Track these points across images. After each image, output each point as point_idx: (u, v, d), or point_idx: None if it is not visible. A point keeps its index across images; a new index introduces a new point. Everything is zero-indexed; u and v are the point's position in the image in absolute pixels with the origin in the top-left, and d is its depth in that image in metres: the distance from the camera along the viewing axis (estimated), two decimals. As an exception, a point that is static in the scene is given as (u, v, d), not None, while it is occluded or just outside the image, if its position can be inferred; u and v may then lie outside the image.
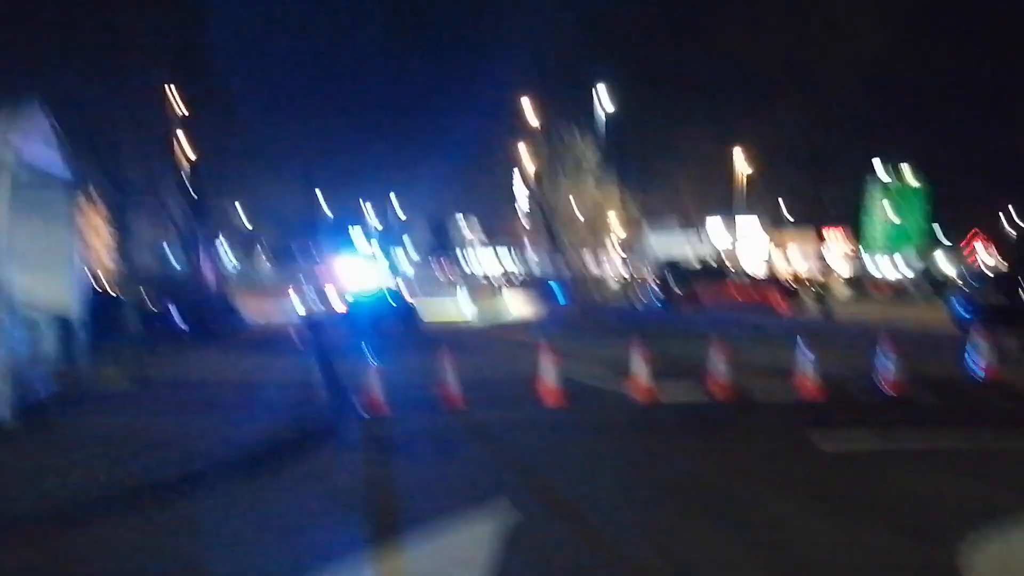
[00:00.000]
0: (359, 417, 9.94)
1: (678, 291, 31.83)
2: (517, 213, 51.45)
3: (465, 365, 11.17)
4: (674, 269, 36.80)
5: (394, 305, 31.11)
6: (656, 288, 34.07)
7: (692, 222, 53.90)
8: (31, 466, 6.94)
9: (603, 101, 42.31)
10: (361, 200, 78.31)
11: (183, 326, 22.80)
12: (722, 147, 47.11)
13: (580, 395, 11.17)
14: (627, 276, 46.79)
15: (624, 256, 50.20)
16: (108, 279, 19.08)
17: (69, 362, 10.75)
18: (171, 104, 27.29)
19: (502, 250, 70.79)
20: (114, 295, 17.26)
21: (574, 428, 9.41)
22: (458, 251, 77.01)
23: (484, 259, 74.38)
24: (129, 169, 21.14)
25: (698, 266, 39.61)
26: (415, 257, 75.89)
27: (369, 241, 74.21)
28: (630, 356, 11.41)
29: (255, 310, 35.18)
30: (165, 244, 29.08)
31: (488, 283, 55.22)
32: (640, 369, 10.96)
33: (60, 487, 6.27)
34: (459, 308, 41.48)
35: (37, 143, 9.83)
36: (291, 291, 38.32)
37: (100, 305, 12.91)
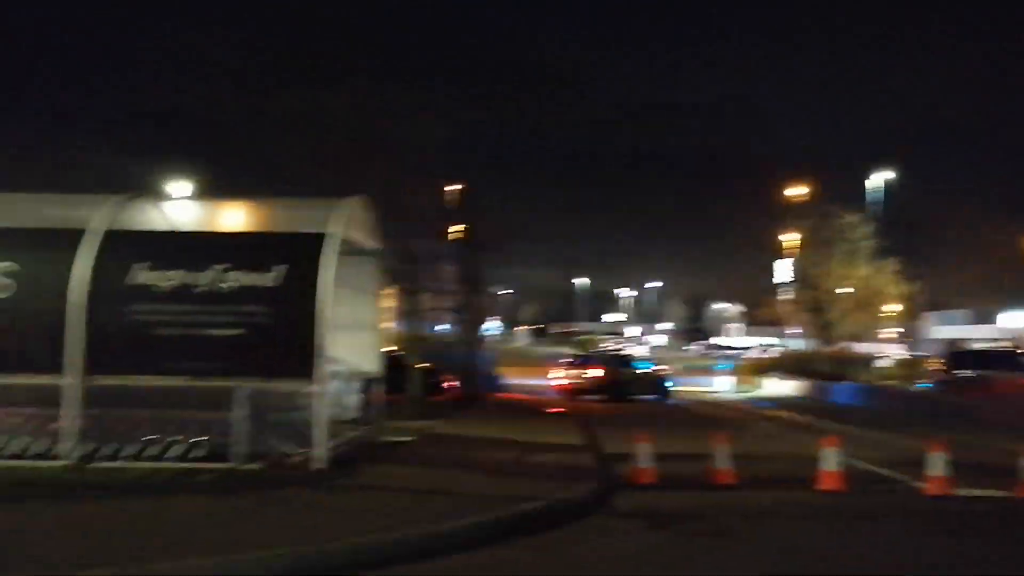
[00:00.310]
0: (626, 487, 10.06)
1: (965, 375, 28.79)
2: (777, 290, 49.66)
3: (729, 440, 10.91)
4: (960, 352, 33.41)
5: (650, 375, 31.17)
6: (939, 371, 31.06)
7: (981, 303, 48.73)
8: (347, 509, 7.83)
9: (881, 179, 40.26)
10: (619, 275, 79.65)
11: (455, 387, 24.46)
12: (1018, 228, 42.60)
13: (861, 481, 10.48)
14: (903, 358, 43.12)
15: (900, 337, 46.41)
16: (394, 341, 20.98)
17: (367, 415, 11.98)
18: (450, 189, 30.10)
19: (760, 328, 68.30)
20: (399, 356, 18.93)
21: (859, 517, 8.78)
22: (714, 326, 75.41)
23: (740, 335, 72.05)
24: (414, 244, 23.28)
25: (989, 349, 35.63)
26: (670, 331, 75.34)
27: (625, 316, 75.09)
28: (914, 442, 10.56)
29: (516, 376, 36.84)
30: (440, 312, 31.42)
31: (745, 359, 53.41)
32: (931, 457, 10.07)
33: (367, 530, 7.00)
34: (715, 382, 40.55)
35: (353, 225, 11.27)
36: (552, 359, 39.73)
37: (389, 365, 14.29)
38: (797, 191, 40.96)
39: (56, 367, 9.46)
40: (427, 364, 21.39)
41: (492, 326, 48.48)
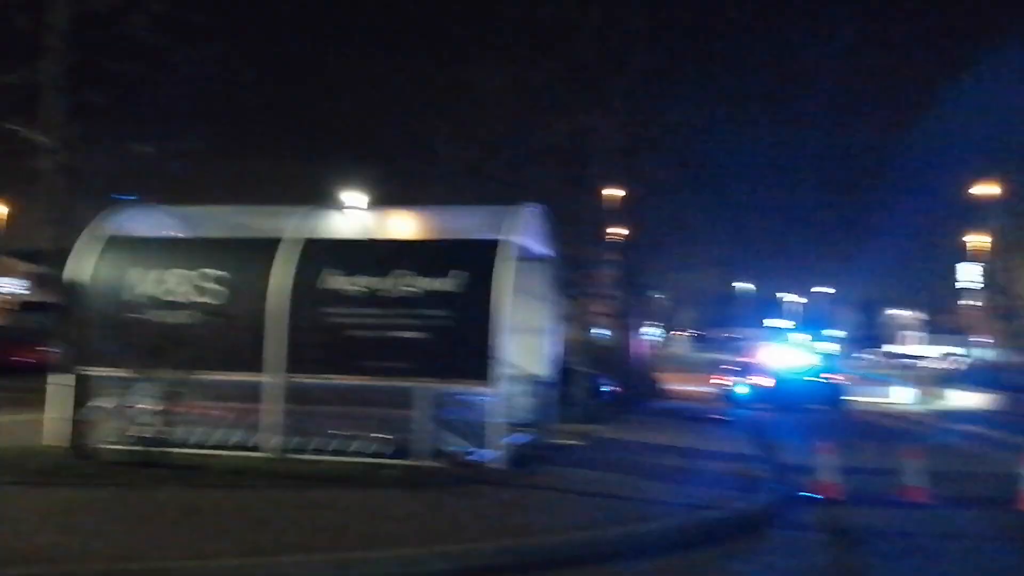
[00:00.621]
0: (807, 499, 9.72)
1: None
2: (961, 296, 46.21)
3: (917, 454, 10.29)
4: None
5: (821, 384, 29.81)
6: None
7: None
8: (528, 508, 8.05)
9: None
10: (785, 279, 76.70)
11: (616, 392, 24.42)
12: None
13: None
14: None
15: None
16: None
17: (539, 418, 12.21)
18: (610, 192, 30.09)
19: (941, 335, 63.69)
20: (565, 360, 19.10)
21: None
22: (888, 333, 71.08)
23: (919, 342, 67.53)
24: (574, 248, 23.40)
25: None
26: (841, 338, 71.73)
27: (792, 320, 72.26)
28: None
29: (676, 382, 36.25)
30: (599, 316, 31.43)
31: (927, 368, 50.00)
32: None
33: (554, 530, 7.17)
34: (893, 392, 38.17)
35: (527, 231, 11.55)
36: (714, 366, 38.80)
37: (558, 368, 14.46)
38: (985, 189, 37.91)
39: (259, 366, 10.28)
40: (588, 368, 21.48)
41: (651, 331, 47.97)
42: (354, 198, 32.56)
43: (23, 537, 6.16)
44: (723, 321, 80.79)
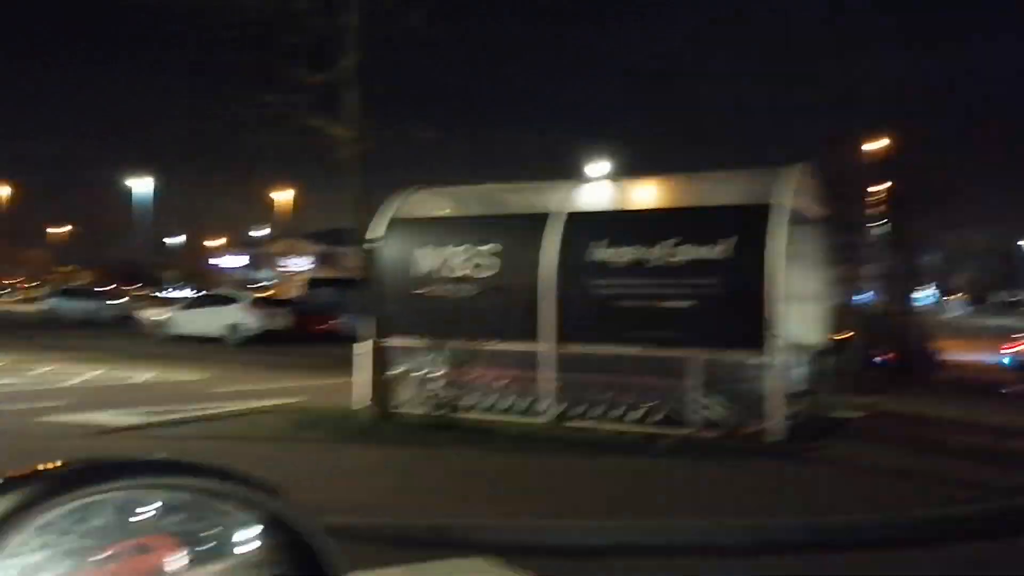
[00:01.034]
0: None
1: None
2: None
3: None
4: None
5: None
6: None
7: None
8: (821, 483, 7.75)
9: None
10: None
11: (891, 361, 22.72)
12: None
13: None
14: None
15: None
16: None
17: (816, 388, 11.65)
18: (874, 146, 27.94)
19: None
20: (837, 327, 18.06)
21: None
22: None
23: None
24: (840, 207, 22.05)
25: None
26: None
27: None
28: None
29: (956, 350, 32.96)
30: (866, 280, 29.46)
31: None
32: None
33: (854, 508, 6.84)
34: None
35: (797, 192, 10.98)
36: (1000, 332, 34.71)
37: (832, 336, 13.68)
38: None
39: (533, 336, 10.71)
40: (860, 336, 20.17)
41: (924, 294, 44.08)
42: (598, 168, 32.76)
43: (355, 489, 6.95)
44: (1007, 282, 72.27)
